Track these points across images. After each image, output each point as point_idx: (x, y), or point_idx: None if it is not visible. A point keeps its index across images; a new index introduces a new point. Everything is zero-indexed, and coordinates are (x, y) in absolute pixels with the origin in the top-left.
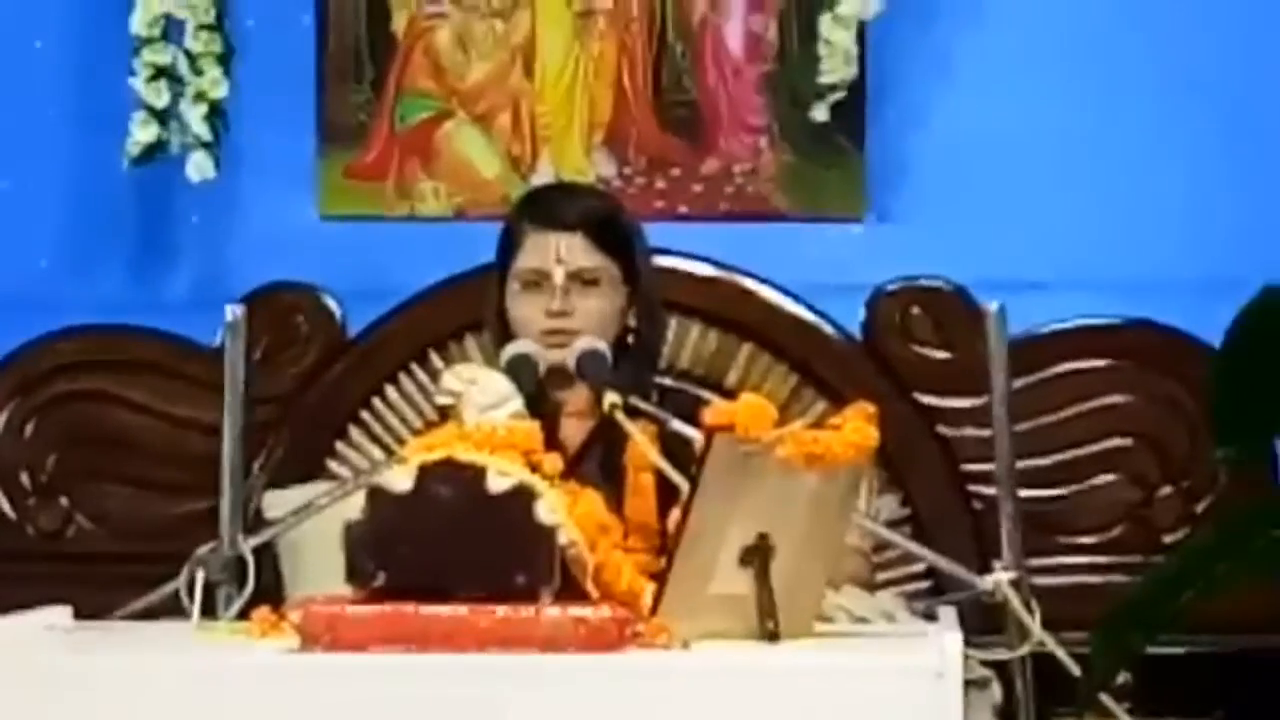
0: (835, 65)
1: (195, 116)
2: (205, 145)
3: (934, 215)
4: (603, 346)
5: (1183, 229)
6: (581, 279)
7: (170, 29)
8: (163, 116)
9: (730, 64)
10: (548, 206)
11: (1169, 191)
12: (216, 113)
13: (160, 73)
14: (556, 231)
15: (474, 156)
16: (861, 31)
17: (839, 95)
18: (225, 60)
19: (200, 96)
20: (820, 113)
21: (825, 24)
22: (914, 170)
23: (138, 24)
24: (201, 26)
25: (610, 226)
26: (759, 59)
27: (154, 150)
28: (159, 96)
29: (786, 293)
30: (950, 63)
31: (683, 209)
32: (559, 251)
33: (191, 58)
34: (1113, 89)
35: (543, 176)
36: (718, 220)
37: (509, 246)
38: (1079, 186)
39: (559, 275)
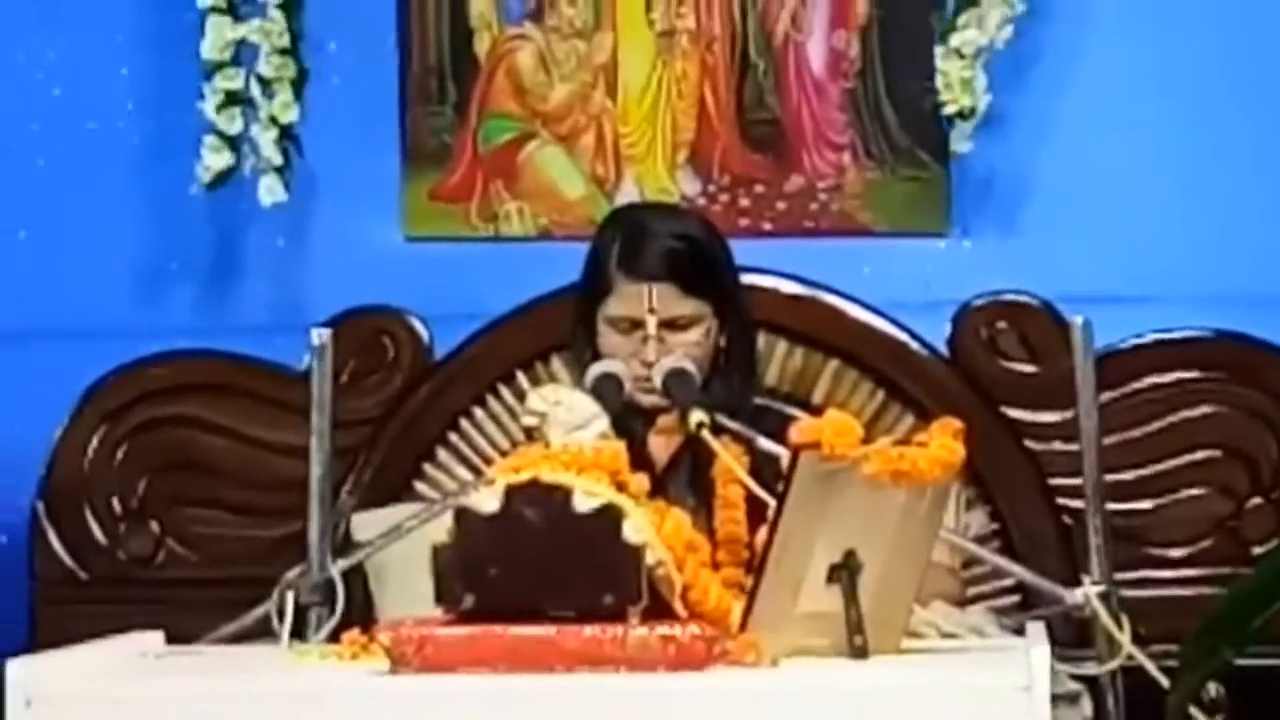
0: (953, 96)
1: (266, 140)
2: (276, 169)
3: (1018, 230)
4: (689, 365)
5: (1268, 241)
6: (674, 325)
7: (242, 53)
8: (234, 142)
9: (813, 81)
10: (637, 253)
11: (1255, 204)
12: (288, 136)
13: (231, 98)
14: (647, 281)
15: (557, 177)
16: None
17: (972, 122)
18: (298, 84)
19: (272, 121)
20: (961, 144)
21: (940, 55)
22: (998, 186)
23: (209, 49)
24: (275, 50)
25: (701, 268)
26: (841, 76)
27: (226, 176)
28: (231, 122)
29: (872, 309)
30: (1033, 78)
31: (767, 226)
32: (651, 301)
33: (264, 82)
34: (1200, 101)
35: (627, 196)
36: (802, 237)
37: (598, 282)
38: (1164, 199)
39: (652, 325)
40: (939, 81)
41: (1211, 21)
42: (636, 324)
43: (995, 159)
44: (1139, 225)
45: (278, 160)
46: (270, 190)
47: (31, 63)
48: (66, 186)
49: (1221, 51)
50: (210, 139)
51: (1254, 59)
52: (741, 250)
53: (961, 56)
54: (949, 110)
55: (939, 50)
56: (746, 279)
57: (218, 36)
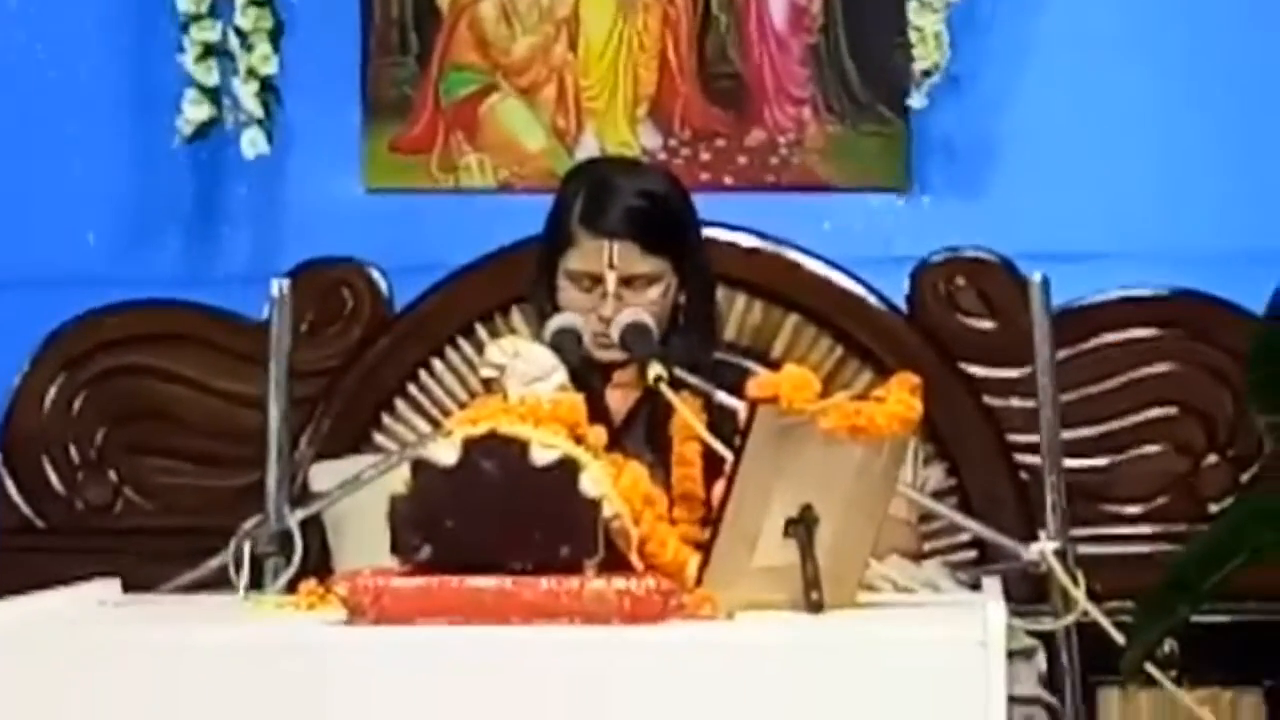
0: (928, 52)
1: (247, 93)
2: (258, 122)
3: (977, 187)
4: (647, 319)
5: (1226, 200)
6: (633, 282)
7: (219, 5)
8: (214, 94)
9: (775, 35)
10: (600, 209)
11: (1213, 162)
12: (268, 88)
13: (209, 50)
14: (608, 238)
15: (518, 129)
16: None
17: (934, 80)
18: (275, 36)
19: (251, 73)
20: (918, 100)
21: (913, 9)
22: (958, 142)
23: (185, 1)
24: (251, 2)
25: (663, 226)
26: (803, 30)
27: (207, 128)
28: (209, 74)
29: (831, 264)
30: (992, 36)
31: (728, 180)
32: (612, 257)
33: (242, 34)
34: (1156, 62)
35: (587, 149)
36: (762, 191)
37: (560, 236)
38: (1122, 157)
39: (611, 282)
40: (912, 36)
41: None
42: (596, 279)
43: (956, 116)
44: (1097, 183)
45: (259, 113)
46: (253, 143)
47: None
48: (38, 136)
49: (1180, 11)
50: (190, 92)
51: (1211, 18)
52: (702, 204)
53: (934, 10)
54: (920, 66)
55: (911, 4)
56: (706, 233)
57: None
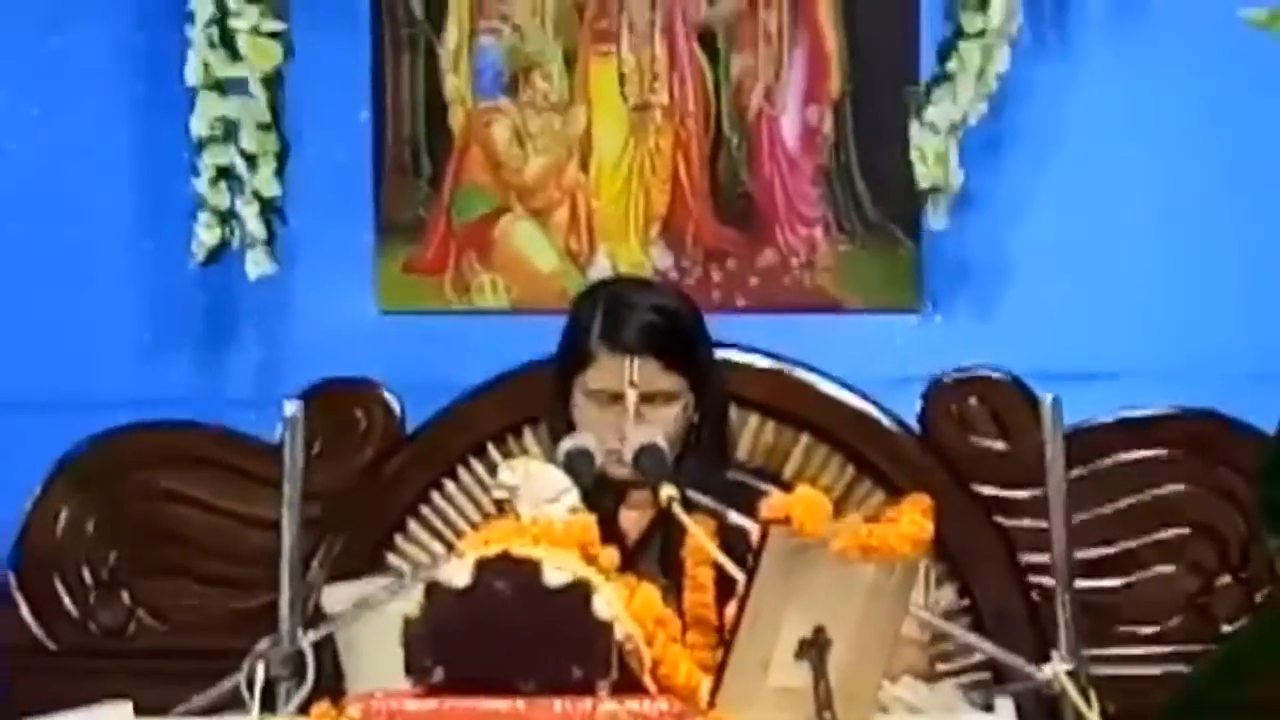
0: (931, 172)
1: (251, 215)
2: (262, 243)
3: (990, 306)
4: (661, 441)
5: (1236, 320)
6: (653, 399)
7: (231, 129)
8: (225, 217)
9: (786, 156)
10: (618, 324)
11: (1222, 282)
12: (271, 210)
13: (222, 173)
14: (628, 354)
15: (531, 251)
16: None
17: (942, 199)
18: (280, 158)
19: (256, 195)
20: (936, 220)
21: (915, 130)
22: (969, 262)
23: (198, 125)
24: (258, 126)
25: (681, 342)
26: (814, 150)
27: (219, 250)
28: (222, 197)
29: (843, 384)
30: (1003, 155)
31: (740, 301)
32: (632, 375)
33: (248, 157)
34: (1170, 180)
35: (600, 270)
36: (775, 311)
37: (577, 354)
38: (1134, 278)
39: (632, 399)
40: (913, 156)
41: (1182, 104)
42: (616, 397)
43: (967, 235)
44: (1109, 303)
45: (263, 234)
46: (257, 263)
47: (23, 133)
48: (48, 256)
49: (1193, 134)
50: (204, 215)
51: (1226, 142)
52: (714, 324)
53: (936, 131)
54: (923, 185)
55: (914, 125)
56: (719, 353)
57: (207, 112)
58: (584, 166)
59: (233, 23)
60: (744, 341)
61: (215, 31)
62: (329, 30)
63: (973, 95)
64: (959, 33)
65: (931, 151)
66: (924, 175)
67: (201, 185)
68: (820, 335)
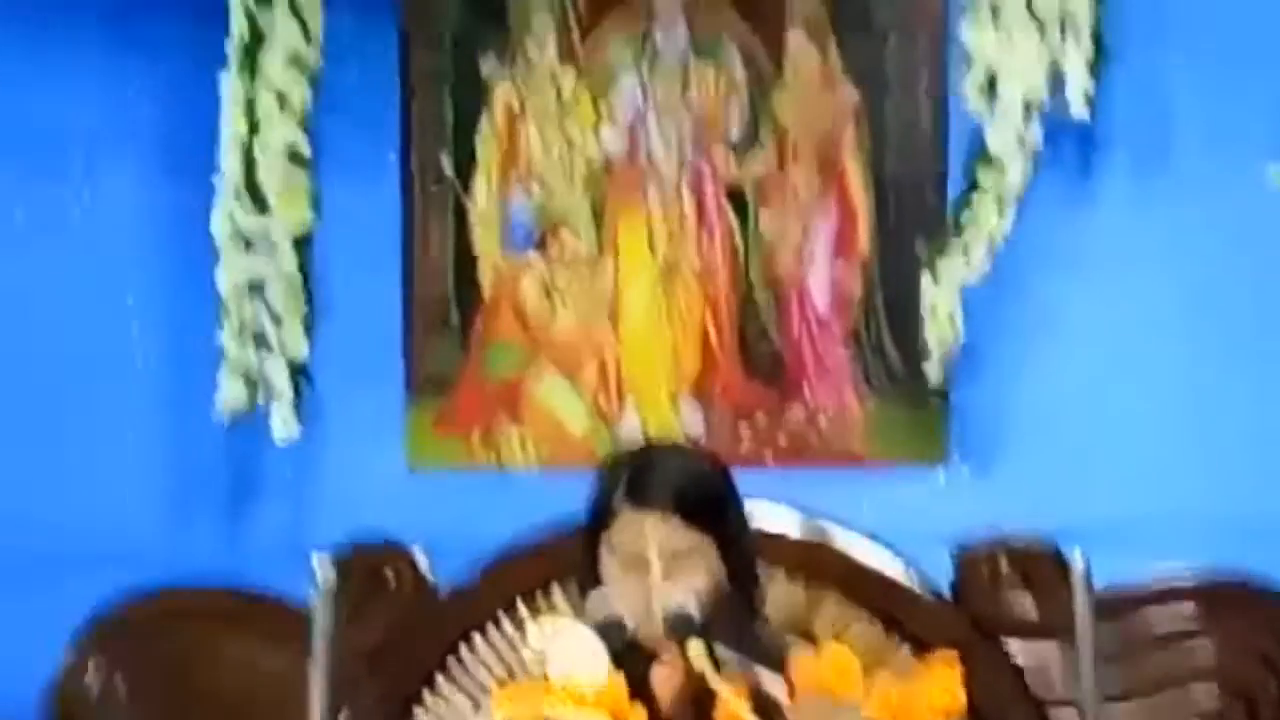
0: (939, 328)
1: (278, 374)
2: (289, 403)
3: (1017, 461)
4: (692, 606)
5: (1266, 472)
6: (678, 557)
7: (257, 286)
8: (250, 375)
9: (814, 313)
10: (643, 484)
11: (1258, 439)
12: (299, 370)
13: (247, 332)
14: (652, 512)
15: (560, 408)
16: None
17: (949, 355)
18: (308, 318)
19: (283, 354)
20: (934, 373)
21: (926, 286)
22: (997, 416)
23: (224, 283)
24: (286, 284)
25: (706, 501)
26: (842, 307)
27: (243, 410)
28: (246, 355)
29: (873, 539)
30: (1032, 313)
31: (768, 457)
32: (655, 535)
33: (275, 316)
34: (1196, 332)
35: (629, 428)
36: (803, 467)
37: (603, 513)
38: (1162, 432)
39: (655, 558)
40: (924, 312)
41: (1203, 257)
42: (641, 555)
43: (993, 390)
44: (1138, 458)
45: (289, 394)
46: (284, 423)
47: (50, 294)
48: (75, 413)
49: (1215, 287)
50: (227, 373)
51: (1239, 295)
52: (743, 480)
53: (947, 287)
54: (931, 341)
55: (925, 279)
56: (747, 509)
57: (233, 270)
58: (613, 323)
59: (261, 177)
60: (772, 497)
61: (243, 186)
62: (358, 186)
63: (985, 251)
64: (975, 187)
65: (944, 309)
66: (933, 330)
67: (226, 340)
68: (849, 491)
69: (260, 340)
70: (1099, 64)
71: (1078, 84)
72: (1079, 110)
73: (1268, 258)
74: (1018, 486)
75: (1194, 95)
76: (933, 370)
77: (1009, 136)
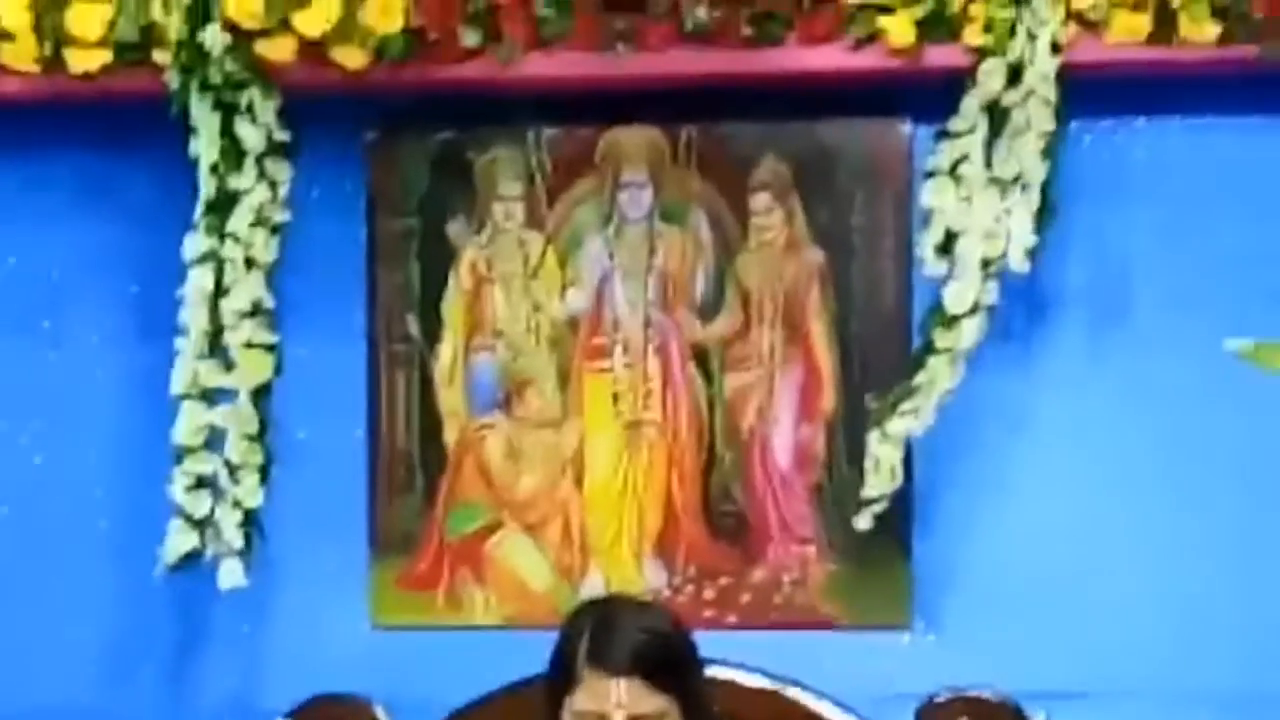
0: (880, 481)
1: (230, 524)
2: (238, 553)
3: (983, 623)
4: None
5: (1230, 638)
6: None
7: (213, 438)
8: (201, 525)
9: (779, 474)
10: (605, 645)
11: (1220, 602)
12: (250, 521)
13: (200, 482)
14: (615, 676)
15: (524, 566)
16: (908, 445)
17: (882, 506)
18: (264, 470)
19: (236, 505)
20: (864, 521)
21: (874, 441)
22: (961, 579)
23: (180, 434)
24: (244, 436)
25: (669, 663)
26: (807, 469)
27: (191, 559)
28: (198, 505)
29: (836, 703)
30: (994, 472)
31: (731, 618)
32: (619, 697)
33: (231, 467)
34: (1160, 498)
35: (592, 586)
36: (766, 629)
37: (566, 674)
38: (1127, 596)
39: None
40: (868, 465)
41: (1163, 424)
42: (604, 718)
43: (960, 554)
44: (1104, 621)
45: (239, 544)
46: (231, 574)
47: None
48: (20, 563)
49: (1176, 452)
50: (176, 522)
51: (1204, 455)
52: (705, 642)
53: (894, 444)
54: (870, 494)
55: (873, 435)
56: (710, 671)
57: (190, 421)
58: (577, 483)
59: (227, 336)
60: (736, 659)
61: (206, 344)
62: (324, 345)
63: (933, 406)
64: (929, 348)
65: (888, 465)
66: (875, 485)
67: (177, 492)
68: (812, 653)
69: (215, 491)
70: (1046, 221)
71: (1020, 239)
72: (1019, 264)
73: (1223, 419)
74: (982, 651)
75: (1152, 256)
76: (863, 519)
77: (967, 296)
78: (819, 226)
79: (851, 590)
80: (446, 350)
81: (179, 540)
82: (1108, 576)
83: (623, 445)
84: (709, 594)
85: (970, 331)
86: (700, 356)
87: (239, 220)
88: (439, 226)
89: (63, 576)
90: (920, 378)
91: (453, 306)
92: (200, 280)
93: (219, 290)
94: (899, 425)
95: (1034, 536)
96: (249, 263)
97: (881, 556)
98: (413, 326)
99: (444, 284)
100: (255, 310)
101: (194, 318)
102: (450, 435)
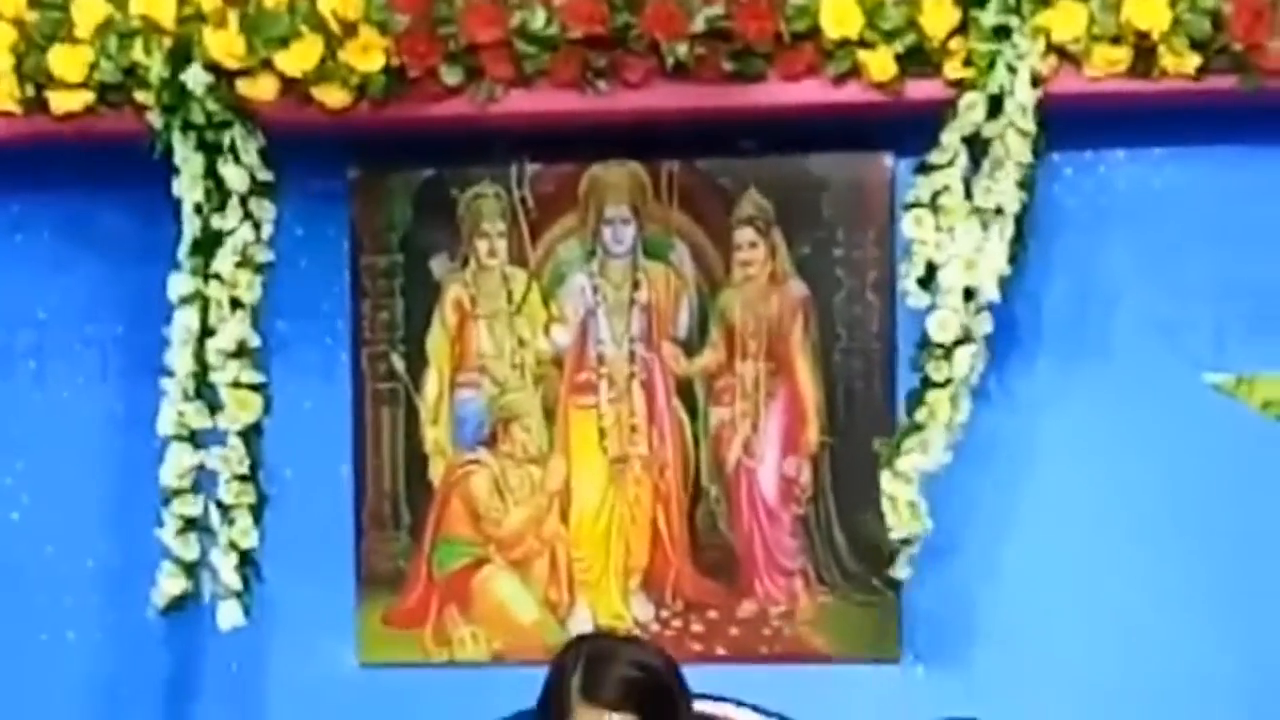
0: (900, 521)
1: (226, 566)
2: (236, 594)
3: (969, 658)
4: None
5: (1215, 683)
6: None
7: (201, 480)
8: (191, 567)
9: (765, 507)
10: (597, 679)
11: (1209, 647)
12: (247, 562)
13: (190, 524)
14: (606, 710)
15: (511, 602)
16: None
17: (912, 550)
18: (257, 510)
19: (231, 546)
20: (901, 570)
21: (885, 479)
22: (950, 613)
23: (168, 476)
24: (235, 477)
25: (659, 698)
26: (792, 502)
27: (182, 601)
28: (188, 548)
29: None
30: (982, 507)
31: (720, 652)
32: None
33: (224, 508)
34: (1149, 540)
35: (580, 621)
36: (755, 663)
37: (558, 708)
38: (1114, 632)
39: None
40: (885, 506)
41: (1149, 455)
42: None
43: (947, 587)
44: (1089, 657)
45: (237, 585)
46: (229, 615)
47: None
48: (11, 607)
49: (1163, 487)
50: (167, 564)
51: (1200, 504)
52: (694, 675)
53: (907, 481)
54: (895, 535)
55: (885, 475)
56: (699, 706)
57: (177, 463)
58: (564, 518)
59: (213, 376)
60: (724, 693)
61: (193, 385)
62: (309, 383)
63: (943, 445)
64: (926, 383)
65: (904, 501)
66: (896, 525)
67: (166, 536)
68: (801, 687)
69: (206, 533)
70: (1020, 250)
71: (993, 268)
72: (991, 292)
73: (1202, 451)
74: (970, 684)
75: (1133, 286)
76: (900, 568)
77: (950, 326)
78: (802, 260)
79: (840, 623)
80: (431, 387)
81: (169, 584)
82: (1095, 616)
83: (609, 480)
84: (697, 627)
85: (964, 361)
86: (685, 391)
87: (223, 261)
88: (423, 263)
89: (49, 617)
90: (921, 414)
91: (437, 343)
92: (186, 321)
93: (205, 331)
94: (906, 463)
95: (1022, 570)
96: (234, 303)
97: (869, 589)
98: (398, 363)
99: (428, 321)
100: (241, 350)
101: (180, 359)
102: (436, 472)
